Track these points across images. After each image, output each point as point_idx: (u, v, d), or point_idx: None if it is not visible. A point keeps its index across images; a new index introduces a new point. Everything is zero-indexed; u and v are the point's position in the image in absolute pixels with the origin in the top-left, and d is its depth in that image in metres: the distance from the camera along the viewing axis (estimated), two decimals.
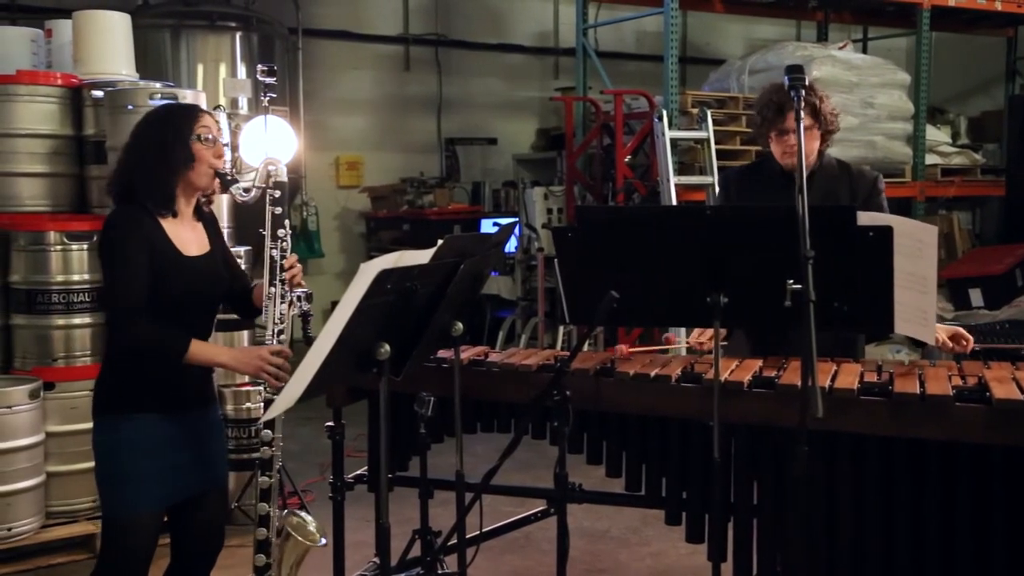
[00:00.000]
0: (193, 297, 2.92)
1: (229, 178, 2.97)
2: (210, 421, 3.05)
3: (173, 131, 2.89)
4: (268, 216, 3.07)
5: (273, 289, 3.04)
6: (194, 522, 3.02)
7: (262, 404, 3.10)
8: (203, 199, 3.01)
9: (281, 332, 3.04)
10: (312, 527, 3.18)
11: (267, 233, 3.07)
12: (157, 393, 2.87)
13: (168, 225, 2.89)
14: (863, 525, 2.76)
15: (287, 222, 3.09)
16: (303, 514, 3.20)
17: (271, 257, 3.05)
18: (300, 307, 3.63)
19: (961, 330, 3.14)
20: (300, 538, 3.12)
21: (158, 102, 4.70)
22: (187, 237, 2.94)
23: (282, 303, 3.04)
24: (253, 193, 3.07)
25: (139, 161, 2.88)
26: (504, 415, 3.24)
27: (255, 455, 4.78)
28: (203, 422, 3.00)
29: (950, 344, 3.11)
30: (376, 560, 2.73)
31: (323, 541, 3.20)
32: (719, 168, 7.23)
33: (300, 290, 3.70)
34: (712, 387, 2.68)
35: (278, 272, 3.05)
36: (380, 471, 2.62)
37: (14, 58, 5.07)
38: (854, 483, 2.76)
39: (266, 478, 3.06)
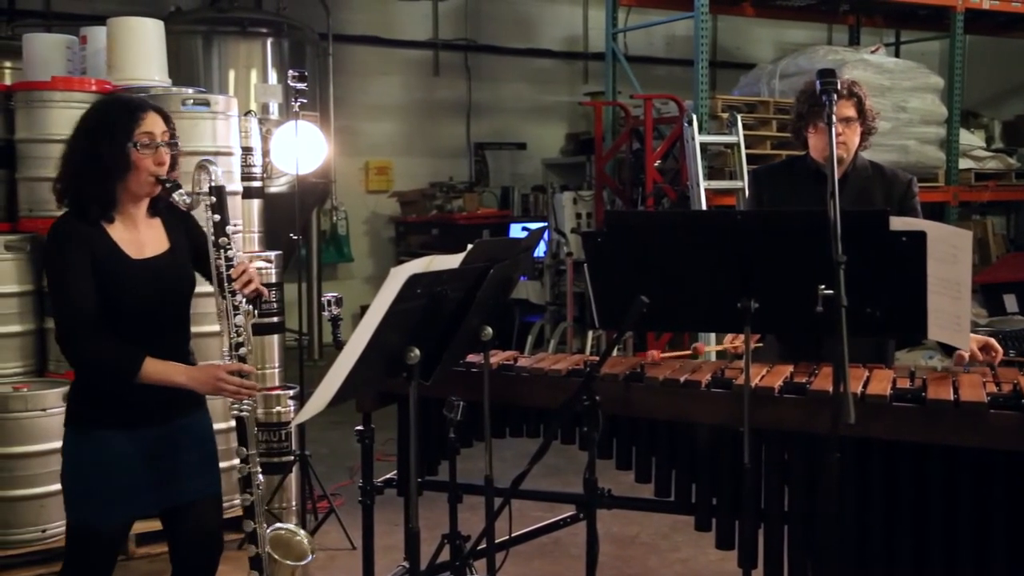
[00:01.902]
0: (153, 301, 2.79)
1: (169, 184, 2.77)
2: (194, 429, 2.94)
3: (107, 138, 2.72)
4: (208, 224, 2.83)
5: (224, 301, 2.83)
6: (187, 531, 2.95)
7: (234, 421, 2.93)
8: (169, 193, 2.80)
9: (240, 346, 2.85)
10: (303, 538, 3.11)
11: (209, 242, 2.84)
12: (126, 409, 2.77)
13: (115, 229, 2.76)
14: (895, 533, 2.73)
15: (230, 228, 2.85)
16: (292, 527, 3.11)
17: (216, 268, 2.83)
18: (331, 312, 3.63)
19: (991, 340, 3.10)
20: (282, 560, 3.05)
21: (191, 108, 4.74)
22: (139, 239, 2.80)
23: (236, 315, 2.84)
24: (192, 199, 2.83)
25: (74, 166, 2.75)
26: (533, 420, 3.24)
27: (284, 458, 4.85)
28: (184, 432, 2.89)
29: (980, 355, 3.07)
30: (405, 564, 2.73)
31: (310, 557, 3.11)
32: (749, 173, 7.19)
33: (330, 294, 3.71)
34: (742, 393, 2.66)
35: (226, 283, 2.83)
36: (409, 475, 2.63)
37: (49, 64, 5.12)
38: (886, 490, 2.73)
39: (248, 495, 2.93)
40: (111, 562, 2.89)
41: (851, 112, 3.40)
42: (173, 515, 2.93)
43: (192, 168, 2.99)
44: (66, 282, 2.69)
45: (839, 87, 3.30)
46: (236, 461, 2.93)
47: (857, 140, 3.45)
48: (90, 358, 2.73)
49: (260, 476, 2.95)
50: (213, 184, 2.88)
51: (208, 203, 2.84)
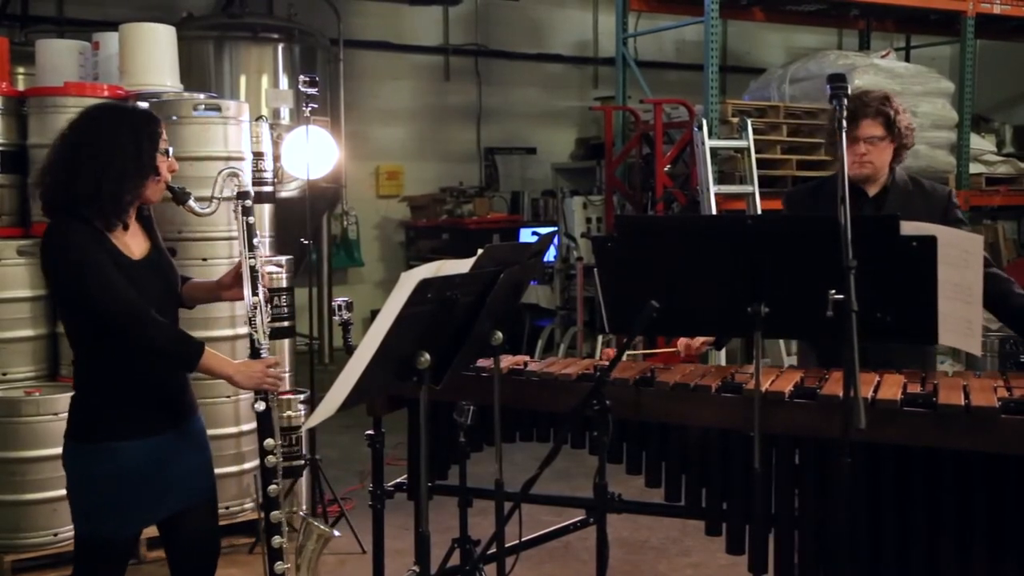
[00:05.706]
0: (160, 298, 2.84)
1: (181, 191, 2.87)
2: (192, 432, 2.95)
3: (149, 142, 2.76)
4: (241, 227, 2.98)
5: (256, 299, 2.96)
6: (185, 535, 2.94)
7: (256, 414, 3.03)
8: (182, 200, 2.92)
9: (262, 340, 2.98)
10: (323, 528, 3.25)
11: (242, 243, 2.97)
12: (139, 416, 2.78)
13: (112, 234, 2.78)
14: (907, 538, 2.72)
15: (259, 231, 3.05)
16: (310, 518, 3.25)
17: (250, 267, 2.96)
18: (341, 316, 3.66)
19: None
20: (320, 526, 3.19)
21: (203, 113, 4.75)
22: (131, 242, 2.83)
23: (264, 313, 2.98)
24: (213, 205, 2.96)
25: (105, 169, 2.69)
26: (543, 424, 3.24)
27: (295, 462, 4.86)
28: (185, 435, 2.90)
29: None
30: (415, 568, 2.74)
31: (337, 533, 3.23)
32: (759, 177, 7.20)
33: (341, 299, 3.74)
34: (753, 397, 2.66)
35: (259, 282, 2.97)
36: (420, 479, 2.63)
37: (62, 70, 5.16)
38: (898, 495, 2.72)
39: (274, 486, 3.00)
40: (122, 571, 2.89)
41: (877, 131, 3.34)
42: (170, 521, 2.92)
43: (213, 174, 3.08)
44: (107, 277, 2.68)
45: (868, 104, 3.30)
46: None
47: (886, 157, 3.39)
48: (161, 343, 2.74)
49: (282, 469, 3.06)
50: (241, 189, 3.03)
51: (242, 206, 3.00)
